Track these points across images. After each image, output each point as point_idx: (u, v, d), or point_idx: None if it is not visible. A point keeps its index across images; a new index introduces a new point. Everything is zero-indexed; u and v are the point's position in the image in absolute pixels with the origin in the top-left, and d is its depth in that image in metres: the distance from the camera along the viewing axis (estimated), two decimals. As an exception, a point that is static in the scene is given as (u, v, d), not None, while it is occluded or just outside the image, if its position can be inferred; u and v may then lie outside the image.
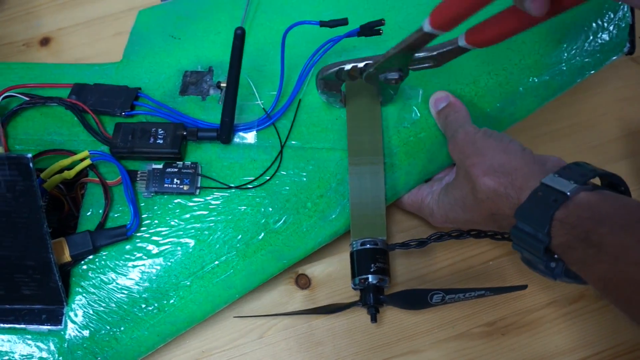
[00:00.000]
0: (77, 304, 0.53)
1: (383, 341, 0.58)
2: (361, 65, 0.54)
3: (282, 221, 0.55)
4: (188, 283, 0.54)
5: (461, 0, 0.42)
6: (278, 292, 0.60)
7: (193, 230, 0.55)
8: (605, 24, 0.59)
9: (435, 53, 0.51)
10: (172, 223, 0.55)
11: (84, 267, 0.54)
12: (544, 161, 0.48)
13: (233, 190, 0.56)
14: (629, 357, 0.57)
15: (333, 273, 0.61)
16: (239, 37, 0.50)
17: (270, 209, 0.55)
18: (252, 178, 0.56)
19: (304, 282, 0.60)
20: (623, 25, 0.59)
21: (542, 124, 0.67)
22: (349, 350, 0.58)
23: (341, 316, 0.59)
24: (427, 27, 0.45)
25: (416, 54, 0.51)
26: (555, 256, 0.45)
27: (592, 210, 0.42)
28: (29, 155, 0.45)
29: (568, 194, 0.43)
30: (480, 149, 0.50)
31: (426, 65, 0.53)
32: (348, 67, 0.54)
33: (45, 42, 0.74)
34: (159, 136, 0.56)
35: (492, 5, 0.42)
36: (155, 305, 0.53)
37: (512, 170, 0.47)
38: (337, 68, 0.55)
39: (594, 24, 0.59)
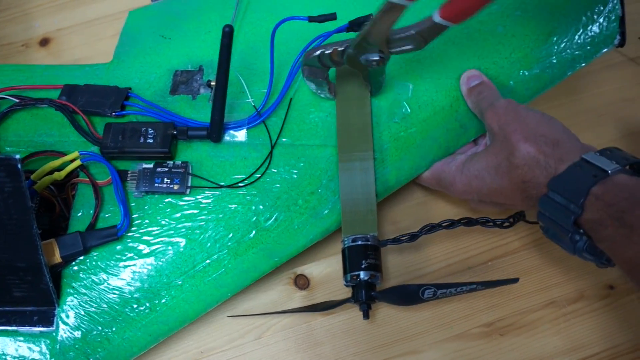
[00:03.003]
0: (69, 305, 0.52)
1: (382, 341, 0.58)
2: (341, 48, 0.53)
3: (273, 219, 0.55)
4: (180, 282, 0.54)
5: None
6: (277, 293, 0.60)
7: (184, 230, 0.54)
8: (595, 17, 0.59)
9: (413, 32, 0.51)
10: (163, 222, 0.55)
11: (75, 268, 0.53)
12: (582, 143, 0.50)
13: (224, 189, 0.56)
14: (628, 357, 0.57)
15: (332, 273, 0.61)
16: (227, 35, 0.50)
17: (261, 207, 0.55)
18: (243, 176, 0.56)
19: (302, 283, 0.60)
20: (613, 17, 0.59)
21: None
22: (348, 351, 0.57)
23: (340, 316, 0.59)
24: (437, 18, 0.47)
25: (395, 35, 0.51)
26: (581, 230, 0.46)
27: (630, 192, 0.44)
28: (17, 156, 0.45)
29: (609, 172, 0.45)
30: (524, 118, 0.51)
31: (407, 47, 0.52)
32: (329, 50, 0.54)
33: (44, 42, 0.74)
34: (149, 136, 0.56)
35: None
36: (147, 305, 0.53)
37: (554, 140, 0.49)
38: (319, 52, 0.54)
39: (583, 17, 0.59)
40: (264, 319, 0.59)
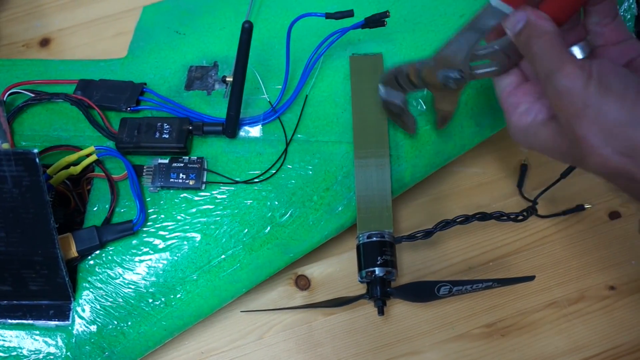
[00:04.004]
0: (85, 299, 0.53)
1: (383, 342, 0.58)
2: (419, 65, 0.48)
3: (288, 215, 0.55)
4: (195, 277, 0.54)
5: None
6: (277, 293, 0.60)
7: (199, 225, 0.55)
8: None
9: (497, 47, 0.44)
10: (179, 217, 0.55)
11: (91, 262, 0.54)
12: None
13: (239, 184, 0.56)
14: (629, 358, 0.57)
15: (333, 274, 0.61)
16: (247, 31, 0.50)
17: (277, 203, 0.55)
18: (258, 172, 0.56)
19: (303, 283, 0.60)
20: (629, 16, 0.59)
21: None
22: (349, 351, 0.57)
23: (341, 317, 0.59)
24: (494, 1, 0.41)
25: (478, 51, 0.45)
26: None
27: None
28: (35, 150, 0.45)
29: None
30: (597, 112, 0.37)
31: (492, 69, 0.46)
32: (407, 69, 0.49)
33: (45, 42, 0.74)
34: (165, 131, 0.56)
35: None
36: (162, 299, 0.53)
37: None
38: (396, 71, 0.50)
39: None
40: (265, 319, 0.59)
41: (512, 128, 0.45)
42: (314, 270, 0.61)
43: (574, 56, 0.40)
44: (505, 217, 0.56)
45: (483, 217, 0.55)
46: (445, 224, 0.55)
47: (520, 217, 0.57)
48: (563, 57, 0.39)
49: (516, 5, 0.40)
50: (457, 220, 0.55)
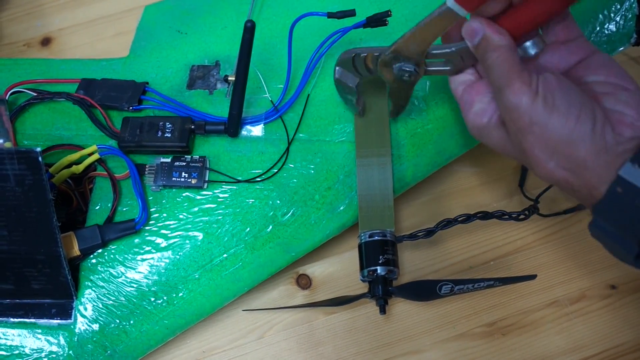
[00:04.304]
0: (87, 298, 0.53)
1: (384, 341, 0.58)
2: (377, 53, 0.51)
3: (290, 214, 0.55)
4: (197, 276, 0.54)
5: None
6: (278, 292, 0.60)
7: (201, 224, 0.55)
8: (612, 15, 0.59)
9: (453, 49, 0.47)
10: (181, 216, 0.55)
11: (93, 261, 0.54)
12: (616, 141, 0.39)
13: (241, 183, 0.56)
14: (630, 357, 0.57)
15: (334, 273, 0.61)
16: (249, 30, 0.50)
17: (278, 202, 0.55)
18: (260, 171, 0.56)
19: (304, 283, 0.60)
20: (629, 15, 0.59)
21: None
22: (350, 351, 0.57)
23: (341, 316, 0.59)
24: (449, 2, 0.43)
25: (435, 50, 0.48)
26: None
27: None
28: (38, 149, 0.45)
29: None
30: (542, 129, 0.40)
31: (445, 68, 0.48)
32: (364, 54, 0.52)
33: (46, 42, 0.74)
34: (167, 130, 0.56)
35: None
36: (165, 298, 0.53)
37: (579, 163, 0.39)
38: (353, 54, 0.52)
39: (600, 15, 0.59)
40: (266, 319, 0.59)
41: (468, 125, 0.47)
42: (315, 270, 0.61)
43: (523, 68, 0.41)
44: (506, 216, 0.56)
45: (484, 216, 0.55)
46: (447, 223, 0.55)
47: (522, 216, 0.57)
48: (513, 73, 0.41)
49: (471, 8, 0.42)
50: (459, 219, 0.55)
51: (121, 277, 0.53)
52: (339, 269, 0.61)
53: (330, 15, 0.56)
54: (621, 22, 0.59)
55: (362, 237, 0.54)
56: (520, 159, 0.44)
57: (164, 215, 0.55)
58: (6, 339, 0.52)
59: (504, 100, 0.41)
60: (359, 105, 0.57)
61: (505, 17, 0.43)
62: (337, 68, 0.54)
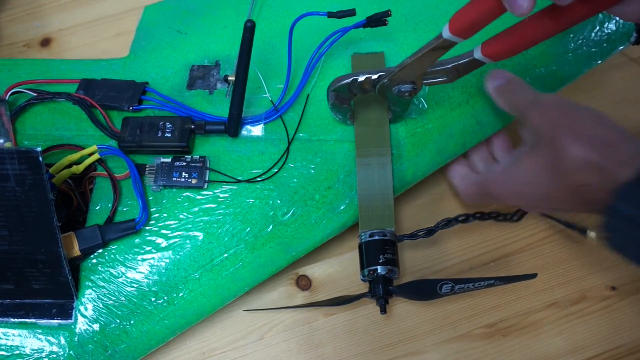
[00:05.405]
0: (87, 298, 0.53)
1: (384, 342, 0.58)
2: (375, 76, 0.53)
3: (290, 213, 0.55)
4: (197, 276, 0.54)
5: (479, 6, 0.43)
6: (278, 294, 0.60)
7: (202, 224, 0.55)
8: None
9: (450, 66, 0.51)
10: (181, 216, 0.55)
11: (94, 261, 0.54)
12: None
13: (241, 183, 0.56)
14: (630, 358, 0.57)
15: (334, 274, 0.61)
16: (249, 30, 0.50)
17: (279, 202, 0.55)
18: (260, 171, 0.56)
19: (304, 284, 0.60)
20: (629, 15, 0.59)
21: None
22: (350, 352, 0.57)
23: (341, 317, 0.59)
24: (446, 34, 0.45)
25: (432, 68, 0.51)
26: None
27: None
28: (38, 148, 0.45)
29: None
30: (572, 116, 0.45)
31: (440, 79, 0.52)
32: (362, 78, 0.53)
33: (45, 42, 0.74)
34: (167, 130, 0.56)
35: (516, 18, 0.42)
36: (165, 298, 0.53)
37: (610, 142, 0.43)
38: (350, 79, 0.53)
39: (600, 14, 0.59)
40: (266, 320, 0.59)
41: (504, 192, 0.51)
42: (315, 271, 0.61)
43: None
44: (501, 217, 0.56)
45: (482, 216, 0.55)
46: (447, 223, 0.55)
47: (516, 218, 0.57)
48: (535, 90, 0.51)
49: (465, 36, 0.45)
50: (459, 218, 0.55)
51: (121, 277, 0.53)
52: (339, 270, 0.61)
53: (331, 14, 0.56)
54: (621, 21, 0.59)
55: (363, 237, 0.54)
56: (555, 160, 0.45)
57: (164, 215, 0.55)
58: (7, 339, 0.52)
59: (542, 104, 0.48)
60: (351, 119, 0.58)
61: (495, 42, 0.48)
62: (332, 93, 0.55)
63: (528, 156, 0.48)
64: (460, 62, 0.50)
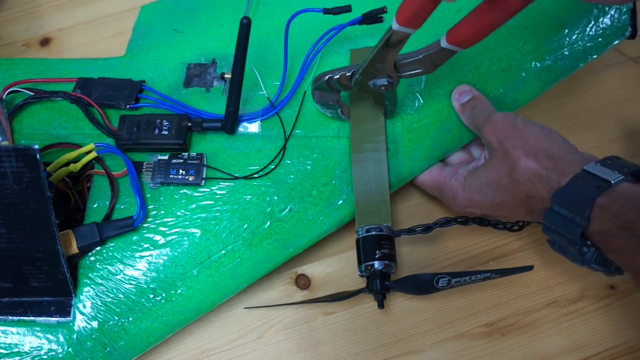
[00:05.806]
0: (85, 296, 0.53)
1: (383, 341, 0.58)
2: (349, 73, 0.54)
3: (287, 209, 0.56)
4: (195, 273, 0.54)
5: None
6: (277, 293, 0.60)
7: (199, 220, 0.55)
8: (607, 8, 0.59)
9: (421, 56, 0.51)
10: (179, 213, 0.55)
11: (92, 258, 0.54)
12: (582, 153, 0.49)
13: (238, 180, 0.56)
14: (629, 357, 0.57)
15: (333, 273, 0.61)
16: (245, 27, 0.50)
17: (276, 198, 0.56)
18: (257, 167, 0.56)
19: (303, 283, 0.60)
20: (624, 9, 0.59)
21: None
22: (349, 351, 0.57)
23: (341, 316, 0.59)
24: (395, 26, 0.46)
25: (403, 60, 0.51)
26: (588, 242, 0.45)
27: (635, 202, 0.43)
28: (36, 146, 0.45)
29: (612, 182, 0.44)
30: (522, 132, 0.51)
31: (417, 71, 0.52)
32: (337, 75, 0.54)
33: (45, 42, 0.74)
34: (164, 127, 0.56)
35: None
36: (163, 295, 0.53)
37: (554, 155, 0.48)
38: (327, 77, 0.54)
39: (595, 9, 0.60)
40: (265, 319, 0.59)
41: (459, 198, 0.55)
42: (314, 270, 0.61)
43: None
44: (501, 226, 0.56)
45: (481, 222, 0.55)
46: (446, 222, 0.55)
47: (516, 227, 0.57)
48: (493, 108, 0.56)
49: (414, 26, 0.46)
50: (458, 219, 0.55)
51: (119, 274, 0.53)
52: (338, 269, 0.61)
53: (327, 11, 0.57)
54: (616, 15, 0.59)
55: (359, 232, 0.54)
56: (505, 173, 0.51)
57: (162, 212, 0.55)
58: (5, 337, 0.52)
59: (493, 121, 0.52)
60: (344, 115, 0.58)
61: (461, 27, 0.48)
62: (314, 92, 0.56)
63: (483, 169, 0.53)
64: (430, 52, 0.50)
